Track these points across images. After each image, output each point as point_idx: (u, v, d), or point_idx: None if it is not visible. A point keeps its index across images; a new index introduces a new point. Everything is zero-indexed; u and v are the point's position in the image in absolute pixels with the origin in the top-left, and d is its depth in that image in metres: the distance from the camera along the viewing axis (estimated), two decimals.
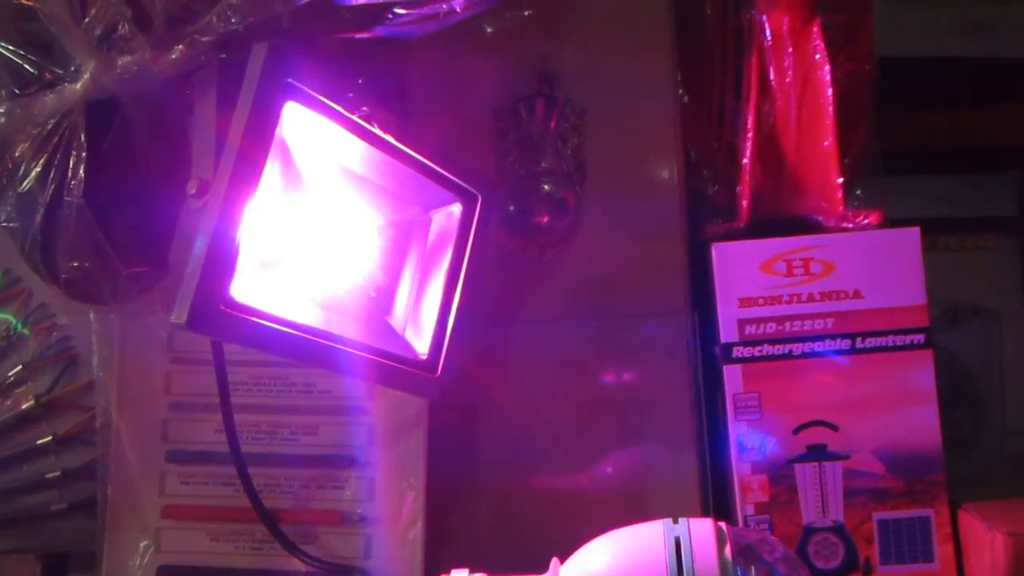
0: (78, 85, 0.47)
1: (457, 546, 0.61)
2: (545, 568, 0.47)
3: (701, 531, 0.42)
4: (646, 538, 0.43)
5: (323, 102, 0.45)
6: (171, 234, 0.49)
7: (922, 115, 0.84)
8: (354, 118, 0.46)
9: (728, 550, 0.41)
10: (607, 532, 0.47)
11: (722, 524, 0.43)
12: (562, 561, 0.47)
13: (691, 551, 0.41)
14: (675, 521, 0.44)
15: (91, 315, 0.59)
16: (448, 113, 0.64)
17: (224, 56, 0.47)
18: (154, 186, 0.50)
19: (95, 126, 0.48)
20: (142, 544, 0.60)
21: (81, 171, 0.47)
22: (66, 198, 0.47)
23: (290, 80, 0.43)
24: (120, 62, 0.46)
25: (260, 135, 0.42)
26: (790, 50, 0.63)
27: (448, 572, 0.47)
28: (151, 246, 0.50)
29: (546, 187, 0.64)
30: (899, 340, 0.60)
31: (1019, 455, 0.82)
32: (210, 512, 0.60)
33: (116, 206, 0.49)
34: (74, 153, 0.47)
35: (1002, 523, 0.55)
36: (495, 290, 0.63)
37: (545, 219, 0.64)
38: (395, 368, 0.51)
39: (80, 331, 0.64)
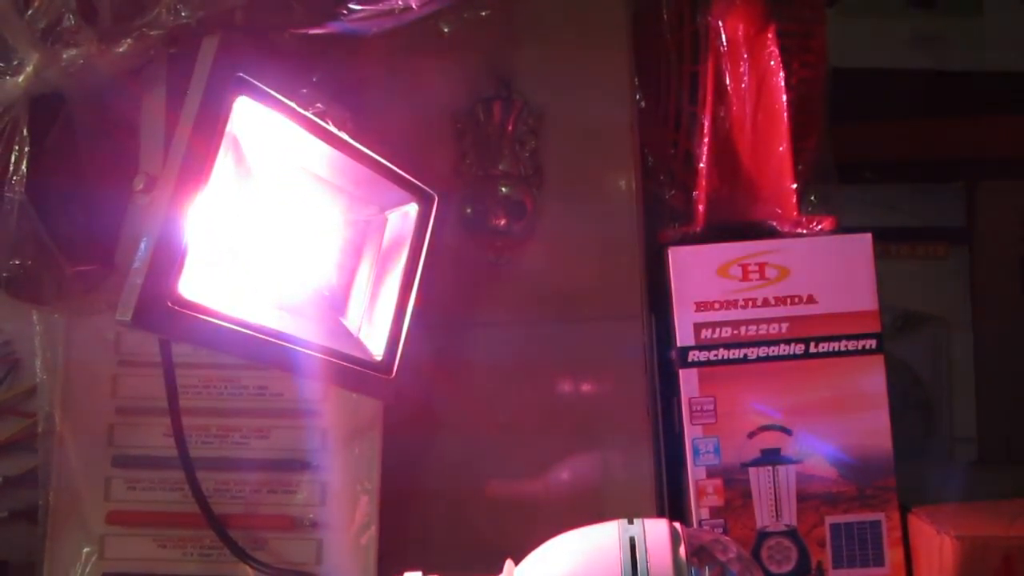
0: (20, 79, 0.45)
1: (411, 551, 0.60)
2: (499, 571, 0.46)
3: (656, 531, 0.42)
4: (601, 538, 0.43)
5: (276, 97, 0.44)
6: (118, 231, 0.48)
7: (873, 126, 0.86)
8: (308, 114, 0.46)
9: (683, 550, 0.41)
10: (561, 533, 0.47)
11: (676, 525, 0.43)
12: (516, 563, 0.46)
13: (645, 551, 0.41)
14: (630, 522, 0.44)
15: (34, 316, 0.58)
16: (405, 114, 0.64)
17: (174, 51, 0.46)
18: (100, 182, 0.49)
19: (39, 121, 0.47)
20: (85, 551, 0.58)
21: (23, 167, 0.46)
22: (7, 194, 0.46)
23: (241, 74, 0.42)
24: (65, 55, 0.45)
25: (210, 129, 0.41)
26: (745, 56, 0.63)
27: (401, 575, 0.46)
28: (97, 244, 0.49)
29: (503, 190, 0.64)
30: (851, 345, 0.61)
31: (967, 461, 0.83)
32: (157, 518, 0.58)
33: (60, 203, 0.48)
34: (16, 148, 0.46)
35: (950, 527, 0.56)
36: (451, 293, 0.63)
37: (502, 222, 0.64)
38: (349, 369, 0.50)
39: (23, 335, 0.62)
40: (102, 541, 0.58)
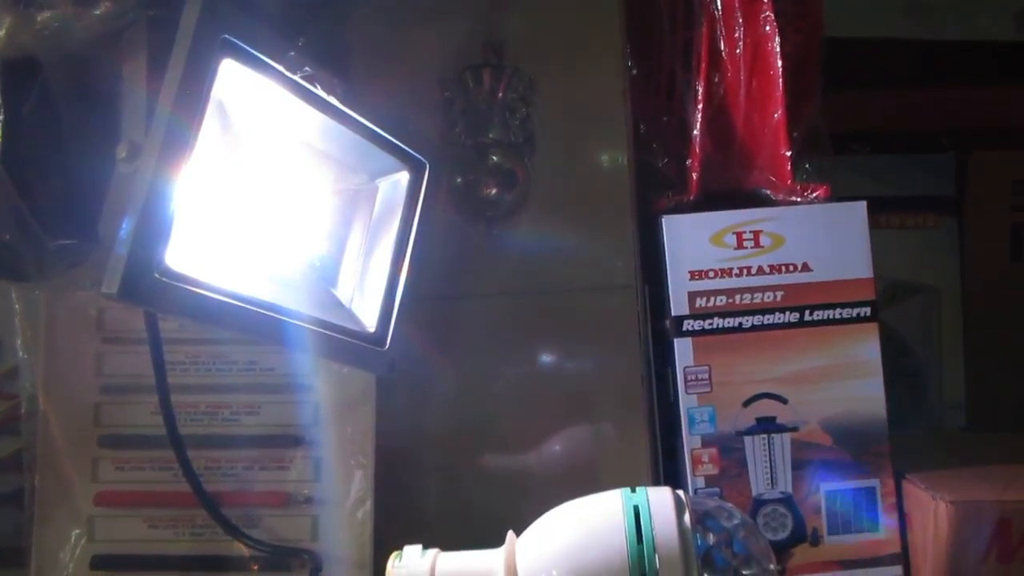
0: None
1: (405, 524, 0.59)
2: (499, 543, 0.46)
3: (660, 500, 0.41)
4: (604, 507, 0.42)
5: (263, 61, 0.43)
6: (99, 203, 0.46)
7: (863, 95, 0.85)
8: (296, 79, 0.44)
9: (688, 518, 0.40)
10: (562, 504, 0.46)
11: (680, 492, 0.43)
12: (518, 535, 0.46)
13: (650, 519, 0.40)
14: (633, 490, 0.43)
15: (13, 294, 0.56)
16: (392, 81, 0.62)
17: (154, 13, 0.45)
18: (80, 152, 0.47)
19: (13, 87, 0.45)
20: (74, 533, 0.57)
21: None
22: None
23: (227, 36, 0.41)
24: (39, 18, 0.43)
25: (195, 94, 0.39)
26: (740, 21, 0.62)
27: (400, 549, 0.46)
28: (78, 216, 0.47)
29: (494, 159, 0.63)
30: (846, 313, 0.61)
31: (956, 427, 0.84)
32: (147, 497, 0.57)
33: (38, 174, 0.46)
34: None
35: (945, 492, 0.56)
36: (442, 264, 0.62)
37: (493, 191, 0.63)
38: (342, 341, 0.49)
39: (2, 314, 0.61)
40: (91, 523, 0.57)
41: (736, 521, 0.41)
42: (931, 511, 0.56)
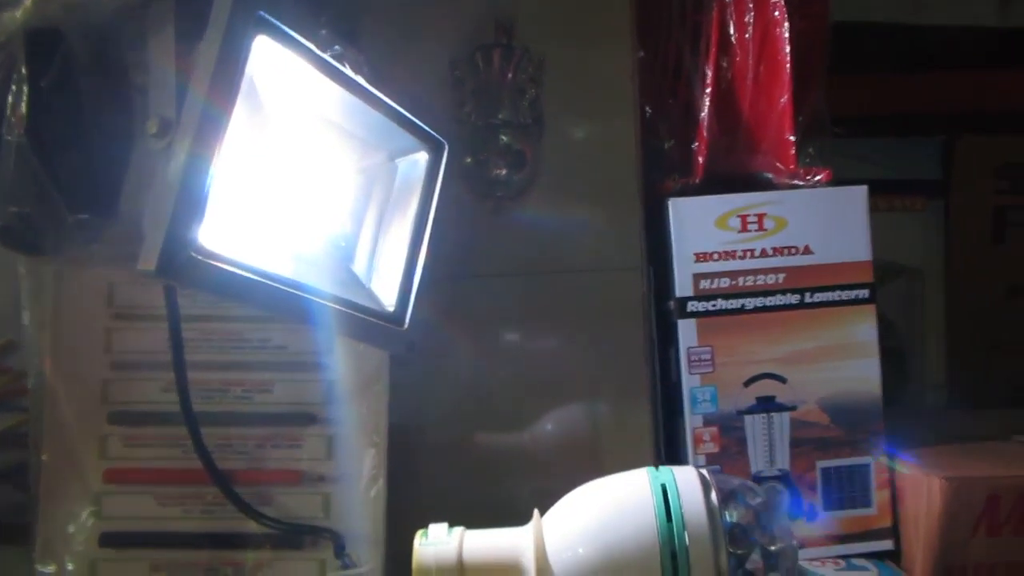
0: (18, 13, 0.42)
1: (415, 502, 0.59)
2: (506, 520, 0.46)
3: (686, 478, 0.42)
4: (631, 486, 0.43)
5: (296, 38, 0.42)
6: (120, 178, 0.46)
7: (852, 80, 0.86)
8: (327, 57, 0.44)
9: (714, 496, 0.41)
10: (580, 483, 0.47)
11: (704, 471, 0.43)
12: (527, 512, 0.46)
13: (679, 497, 0.41)
14: (656, 469, 0.44)
15: (20, 268, 0.55)
16: (403, 62, 0.62)
17: None
18: (100, 125, 0.46)
19: (35, 59, 0.44)
20: (83, 511, 0.56)
21: (23, 106, 0.43)
22: (6, 136, 0.43)
23: (262, 13, 0.40)
24: None
25: (231, 70, 0.39)
26: (750, 6, 0.63)
27: (424, 528, 0.46)
28: (98, 190, 0.46)
29: (504, 139, 0.63)
30: (845, 295, 0.62)
31: (940, 407, 0.86)
32: (156, 475, 0.56)
33: (60, 146, 0.45)
34: (14, 87, 0.43)
35: (938, 469, 0.58)
36: (450, 243, 0.61)
37: (503, 172, 0.63)
38: (364, 320, 0.49)
39: (8, 288, 0.59)
40: (99, 500, 0.56)
41: (759, 499, 0.42)
42: (924, 487, 0.58)
